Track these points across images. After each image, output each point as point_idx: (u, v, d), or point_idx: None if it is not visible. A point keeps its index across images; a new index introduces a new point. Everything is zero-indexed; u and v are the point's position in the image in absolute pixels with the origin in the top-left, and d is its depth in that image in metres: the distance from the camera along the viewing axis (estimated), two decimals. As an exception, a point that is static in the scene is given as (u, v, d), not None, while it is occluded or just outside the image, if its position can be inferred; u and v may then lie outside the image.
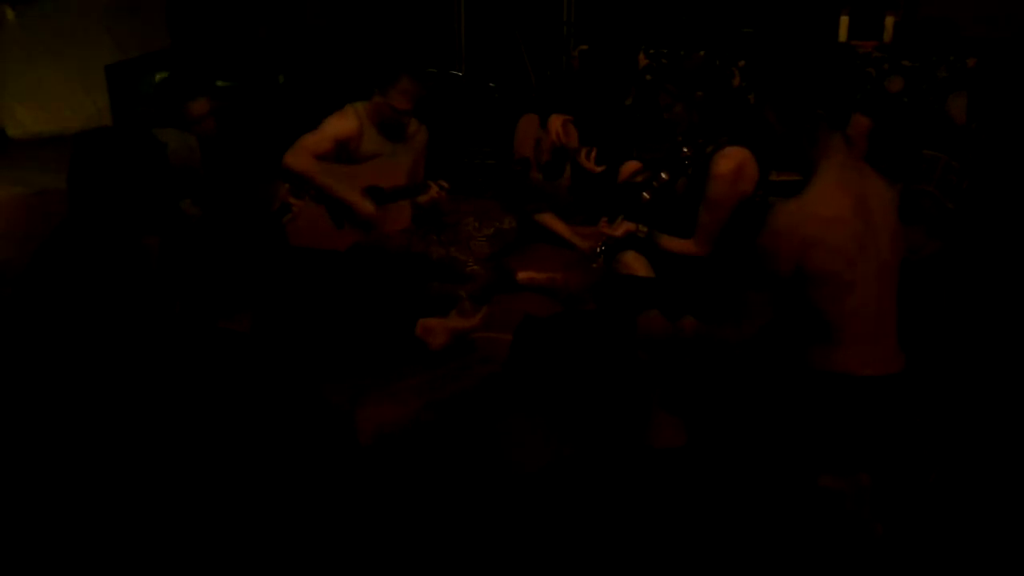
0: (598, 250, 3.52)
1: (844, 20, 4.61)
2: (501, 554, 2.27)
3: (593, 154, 4.14)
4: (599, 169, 4.11)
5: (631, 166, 3.83)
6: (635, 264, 3.36)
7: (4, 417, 2.40)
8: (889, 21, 4.56)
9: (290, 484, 2.09)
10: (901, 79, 4.40)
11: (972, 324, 3.34)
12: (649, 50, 4.85)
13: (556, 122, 4.25)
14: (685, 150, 3.24)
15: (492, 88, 5.34)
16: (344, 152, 3.71)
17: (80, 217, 2.36)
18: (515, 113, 4.64)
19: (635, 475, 2.58)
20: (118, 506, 2.06)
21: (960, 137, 4.31)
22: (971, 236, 4.02)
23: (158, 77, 5.47)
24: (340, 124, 3.70)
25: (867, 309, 2.29)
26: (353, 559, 2.14)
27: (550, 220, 4.25)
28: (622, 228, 3.44)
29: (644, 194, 3.32)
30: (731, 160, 3.19)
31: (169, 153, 3.34)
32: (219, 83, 4.88)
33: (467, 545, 2.28)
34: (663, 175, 3.31)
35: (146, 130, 2.89)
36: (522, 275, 3.83)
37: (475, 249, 3.97)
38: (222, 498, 1.96)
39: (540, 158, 4.39)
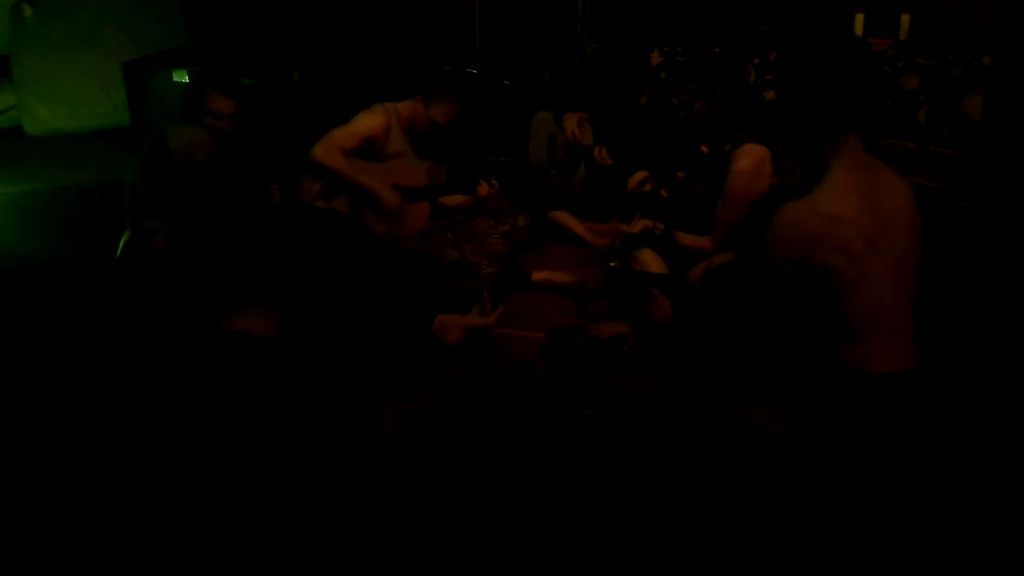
0: (615, 248, 3.52)
1: (859, 18, 4.60)
2: (513, 550, 2.28)
3: (605, 150, 4.15)
4: (610, 161, 4.12)
5: (638, 175, 3.84)
6: (651, 261, 3.36)
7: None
8: (905, 19, 4.54)
9: (303, 481, 2.10)
10: (916, 77, 4.39)
11: (987, 322, 3.34)
12: (664, 48, 4.85)
13: (571, 120, 4.26)
14: (703, 148, 3.24)
15: (507, 85, 5.36)
16: (369, 150, 3.73)
17: None
18: (529, 111, 4.66)
19: (652, 468, 2.60)
20: (133, 503, 2.08)
21: (976, 136, 4.30)
22: (986, 234, 4.02)
23: (176, 75, 5.52)
24: (370, 122, 3.71)
25: (880, 306, 2.29)
26: (362, 557, 2.15)
27: (565, 218, 4.27)
28: (639, 225, 3.45)
29: (662, 191, 3.33)
30: (750, 158, 3.19)
31: (173, 148, 3.39)
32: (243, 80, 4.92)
33: (479, 542, 2.30)
34: (679, 173, 3.32)
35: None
36: (537, 275, 3.84)
37: (490, 247, 3.98)
38: (234, 496, 1.97)
39: (554, 156, 4.41)
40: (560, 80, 5.31)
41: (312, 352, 2.23)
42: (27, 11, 6.44)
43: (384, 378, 2.71)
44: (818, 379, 2.37)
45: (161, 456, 2.01)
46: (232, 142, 3.55)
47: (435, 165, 3.91)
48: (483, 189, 3.91)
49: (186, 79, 5.54)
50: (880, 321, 2.31)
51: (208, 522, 1.92)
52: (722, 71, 3.27)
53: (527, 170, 4.58)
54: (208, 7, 6.67)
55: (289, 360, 2.04)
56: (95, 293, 3.68)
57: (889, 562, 2.24)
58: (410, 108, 3.73)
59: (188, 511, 1.94)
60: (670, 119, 3.84)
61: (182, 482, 1.95)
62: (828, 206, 2.25)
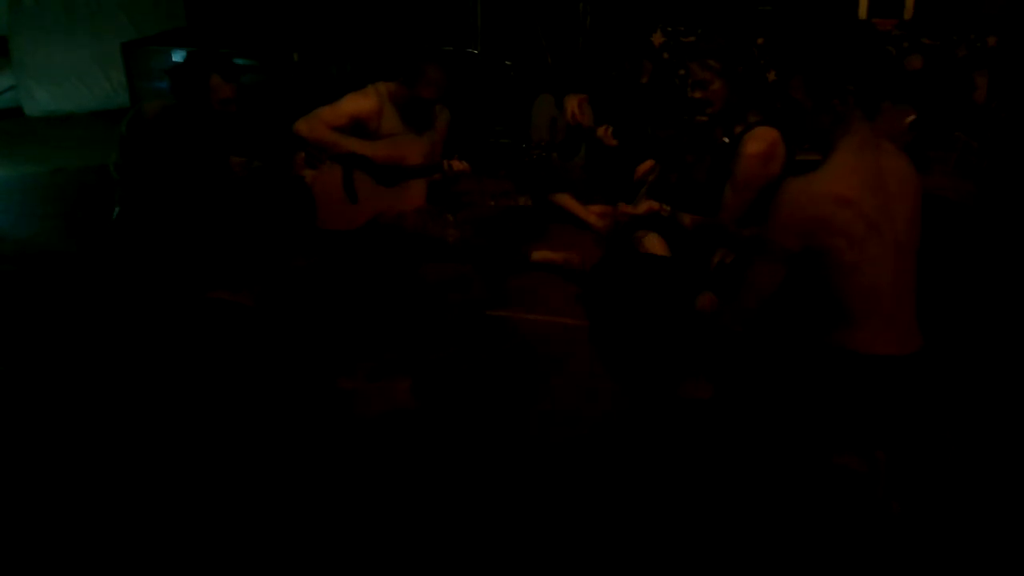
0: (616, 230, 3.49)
1: (864, -3, 4.57)
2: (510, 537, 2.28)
3: (610, 130, 4.13)
4: (614, 142, 4.09)
5: (646, 164, 3.80)
6: (653, 243, 3.34)
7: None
8: (910, -1, 4.51)
9: (292, 466, 2.08)
10: (921, 57, 4.36)
11: (990, 304, 3.32)
12: (666, 28, 4.81)
13: (572, 102, 4.24)
14: (719, 133, 3.20)
15: (508, 67, 5.32)
16: (362, 130, 3.70)
17: None
18: (531, 92, 4.63)
19: (645, 459, 2.59)
20: (119, 491, 2.07)
21: (980, 116, 4.27)
22: (990, 214, 4.00)
23: (175, 55, 5.49)
24: (359, 102, 3.68)
25: (881, 288, 2.28)
26: (354, 549, 2.14)
27: (565, 200, 4.25)
28: (644, 206, 3.42)
29: (671, 176, 3.30)
30: (762, 141, 3.13)
31: (148, 125, 3.37)
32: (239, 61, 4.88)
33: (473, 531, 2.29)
34: (688, 157, 3.29)
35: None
36: (537, 254, 3.83)
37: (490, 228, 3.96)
38: (225, 482, 1.97)
39: (556, 138, 4.39)
40: (562, 62, 5.27)
41: (293, 322, 2.22)
42: (25, -8, 6.41)
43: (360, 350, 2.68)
44: (819, 362, 2.36)
45: (153, 440, 2.01)
46: (222, 122, 3.52)
47: (433, 146, 3.89)
48: (456, 165, 3.88)
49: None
50: (881, 303, 2.29)
51: (199, 502, 1.92)
52: (740, 50, 3.21)
53: (529, 152, 4.56)
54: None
55: (271, 329, 2.03)
56: (93, 275, 3.66)
57: (889, 546, 2.23)
58: (398, 88, 3.70)
59: (180, 488, 1.94)
60: (671, 99, 3.80)
61: (173, 458, 1.95)
62: (831, 186, 2.23)
